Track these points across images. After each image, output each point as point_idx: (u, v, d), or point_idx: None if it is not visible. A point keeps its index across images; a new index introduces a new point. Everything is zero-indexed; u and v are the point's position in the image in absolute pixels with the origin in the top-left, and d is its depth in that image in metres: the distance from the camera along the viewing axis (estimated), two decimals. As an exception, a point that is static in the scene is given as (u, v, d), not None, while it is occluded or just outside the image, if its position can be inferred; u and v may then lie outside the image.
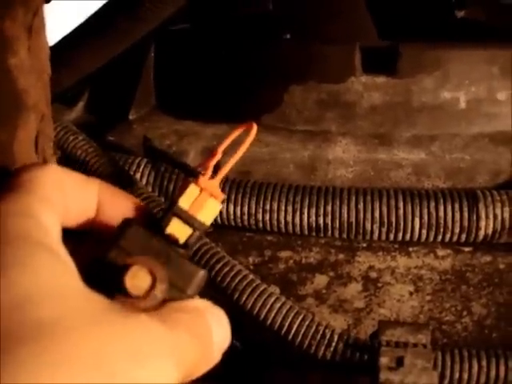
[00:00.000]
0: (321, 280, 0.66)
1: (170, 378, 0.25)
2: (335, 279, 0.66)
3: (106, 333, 0.24)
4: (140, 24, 0.62)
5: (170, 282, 0.32)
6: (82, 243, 0.33)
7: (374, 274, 0.65)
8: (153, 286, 0.30)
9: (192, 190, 0.35)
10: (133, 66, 0.74)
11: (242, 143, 0.65)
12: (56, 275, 0.25)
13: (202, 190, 0.35)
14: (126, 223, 0.33)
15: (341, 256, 0.65)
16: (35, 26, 0.54)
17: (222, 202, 0.37)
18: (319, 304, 0.66)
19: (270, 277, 0.66)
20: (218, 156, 0.46)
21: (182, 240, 0.34)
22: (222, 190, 0.62)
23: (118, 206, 0.34)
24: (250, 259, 0.66)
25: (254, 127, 0.41)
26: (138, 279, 0.30)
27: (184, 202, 0.35)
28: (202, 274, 0.34)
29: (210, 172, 0.40)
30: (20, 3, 0.43)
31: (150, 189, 0.64)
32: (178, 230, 0.34)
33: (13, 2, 0.41)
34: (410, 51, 0.64)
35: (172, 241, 0.34)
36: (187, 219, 0.35)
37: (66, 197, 0.31)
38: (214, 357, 0.29)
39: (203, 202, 0.35)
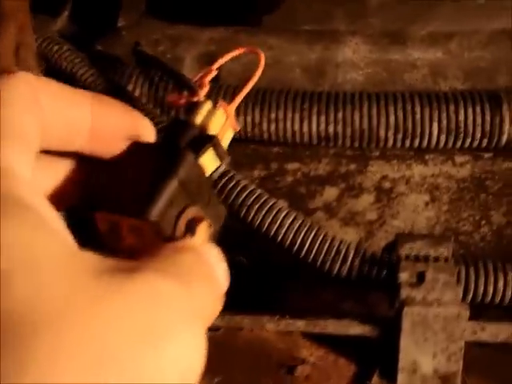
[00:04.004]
0: (331, 192, 0.62)
1: (199, 345, 0.20)
2: (346, 191, 0.62)
3: (109, 312, 0.19)
4: None
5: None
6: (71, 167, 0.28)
7: (387, 184, 0.61)
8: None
9: (219, 117, 0.32)
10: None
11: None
12: (33, 241, 0.19)
13: (227, 118, 0.32)
14: (173, 146, 0.29)
15: (352, 166, 0.61)
16: None
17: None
18: (329, 217, 0.63)
19: (277, 190, 0.62)
20: (214, 73, 0.42)
21: (208, 172, 0.30)
22: (224, 98, 0.57)
23: (119, 123, 0.28)
24: (256, 172, 0.62)
25: (262, 57, 0.38)
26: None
27: (215, 130, 0.31)
28: (224, 211, 0.30)
29: (207, 89, 0.37)
30: None
31: (144, 100, 0.59)
32: (208, 161, 0.30)
33: None
34: None
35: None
36: (219, 150, 0.30)
37: (43, 115, 0.24)
38: (222, 296, 0.25)
39: (226, 131, 0.32)
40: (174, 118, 0.33)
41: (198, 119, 0.31)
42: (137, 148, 0.28)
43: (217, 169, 0.31)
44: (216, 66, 0.34)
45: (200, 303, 0.22)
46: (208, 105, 0.32)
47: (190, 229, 0.27)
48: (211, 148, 0.30)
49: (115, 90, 0.55)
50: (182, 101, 0.35)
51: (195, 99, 0.32)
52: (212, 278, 0.24)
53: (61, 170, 0.28)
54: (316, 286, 0.61)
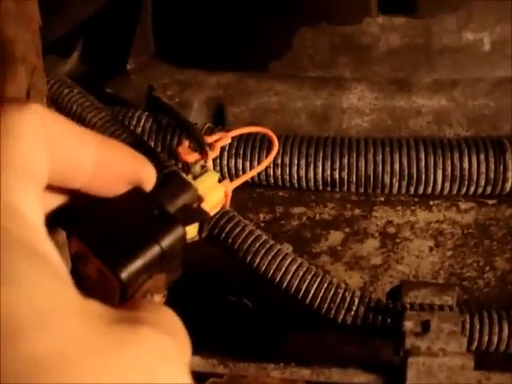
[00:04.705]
0: (336, 236, 0.62)
1: None
2: (351, 235, 0.62)
3: (114, 359, 0.20)
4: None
5: None
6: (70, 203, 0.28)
7: (392, 230, 0.62)
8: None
9: (218, 194, 0.33)
10: (129, 12, 0.69)
11: (250, 93, 0.60)
12: (45, 290, 0.20)
13: (225, 197, 0.34)
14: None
15: (357, 211, 0.61)
16: (20, -32, 0.49)
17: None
18: (334, 261, 0.63)
19: (281, 234, 0.63)
20: (228, 140, 0.43)
21: (189, 237, 0.31)
22: (231, 143, 0.58)
23: (122, 167, 0.28)
24: (261, 216, 0.62)
25: (276, 143, 0.39)
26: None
27: (208, 205, 0.32)
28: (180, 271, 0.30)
29: (216, 154, 0.38)
30: None
31: (152, 144, 0.60)
32: (189, 231, 0.30)
33: None
34: (430, -12, 0.59)
35: None
36: (203, 226, 0.31)
37: (52, 150, 0.24)
38: None
39: (218, 206, 0.34)
40: (178, 173, 0.34)
41: (200, 188, 0.32)
42: (134, 194, 0.29)
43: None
44: (232, 134, 0.35)
45: (185, 353, 0.24)
46: (214, 177, 0.33)
47: (150, 293, 0.28)
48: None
49: (124, 134, 0.56)
50: (191, 158, 0.35)
51: (204, 161, 0.32)
52: (184, 330, 0.25)
53: (54, 203, 0.28)
54: (320, 329, 0.61)
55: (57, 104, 0.59)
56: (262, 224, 0.63)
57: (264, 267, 0.52)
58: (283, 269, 0.51)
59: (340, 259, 0.63)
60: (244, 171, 0.59)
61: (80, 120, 0.58)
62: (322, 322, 0.55)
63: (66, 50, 0.73)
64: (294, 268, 0.51)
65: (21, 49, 0.52)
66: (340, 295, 0.50)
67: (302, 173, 0.58)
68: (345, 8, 0.61)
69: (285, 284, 0.51)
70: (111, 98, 0.65)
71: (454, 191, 0.57)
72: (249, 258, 0.52)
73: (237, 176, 0.60)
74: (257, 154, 0.58)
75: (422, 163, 0.56)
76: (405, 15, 0.60)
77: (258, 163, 0.58)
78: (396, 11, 0.60)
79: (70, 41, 0.72)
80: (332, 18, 0.61)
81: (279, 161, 0.58)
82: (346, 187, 0.58)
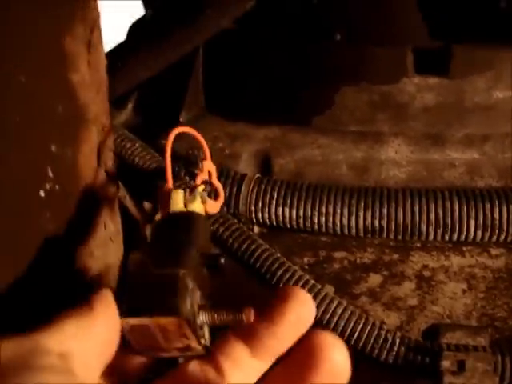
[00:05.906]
0: (375, 279, 0.67)
1: None
2: (389, 278, 0.67)
3: None
4: (199, 32, 0.62)
5: None
6: None
7: (427, 273, 0.66)
8: None
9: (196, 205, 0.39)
10: (182, 66, 0.75)
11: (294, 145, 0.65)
12: None
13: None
14: None
15: (395, 256, 0.66)
16: (94, 40, 0.55)
17: None
18: (373, 302, 0.68)
19: (324, 276, 0.67)
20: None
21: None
22: (278, 193, 0.63)
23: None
24: (305, 260, 0.67)
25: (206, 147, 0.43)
26: None
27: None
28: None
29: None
30: (79, 19, 0.43)
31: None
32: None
33: (72, 18, 0.42)
34: (462, 52, 0.64)
35: None
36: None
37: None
38: None
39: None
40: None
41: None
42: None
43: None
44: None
45: None
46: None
47: None
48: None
49: (181, 185, 0.61)
50: None
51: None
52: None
53: None
54: (356, 365, 0.65)
55: (119, 156, 0.65)
56: (306, 267, 0.67)
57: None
58: (330, 311, 0.56)
59: (378, 300, 0.67)
60: (291, 219, 0.64)
61: (142, 171, 0.64)
62: (358, 358, 0.59)
63: (122, 102, 0.79)
64: (340, 310, 0.56)
65: (93, 111, 0.57)
66: (382, 336, 0.55)
67: (345, 221, 0.63)
68: (384, 69, 0.66)
69: (332, 325, 0.56)
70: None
71: (486, 239, 0.62)
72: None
73: (284, 224, 0.65)
74: (303, 203, 0.63)
75: (456, 213, 0.61)
76: (438, 76, 0.66)
77: (304, 212, 0.63)
78: (430, 72, 0.66)
79: (125, 93, 0.78)
80: (371, 78, 0.66)
81: (323, 209, 0.63)
82: (385, 234, 0.63)
